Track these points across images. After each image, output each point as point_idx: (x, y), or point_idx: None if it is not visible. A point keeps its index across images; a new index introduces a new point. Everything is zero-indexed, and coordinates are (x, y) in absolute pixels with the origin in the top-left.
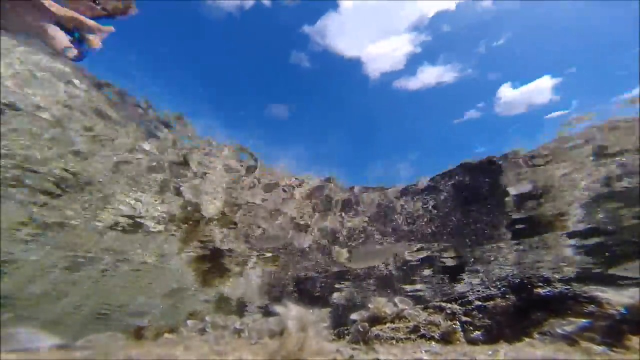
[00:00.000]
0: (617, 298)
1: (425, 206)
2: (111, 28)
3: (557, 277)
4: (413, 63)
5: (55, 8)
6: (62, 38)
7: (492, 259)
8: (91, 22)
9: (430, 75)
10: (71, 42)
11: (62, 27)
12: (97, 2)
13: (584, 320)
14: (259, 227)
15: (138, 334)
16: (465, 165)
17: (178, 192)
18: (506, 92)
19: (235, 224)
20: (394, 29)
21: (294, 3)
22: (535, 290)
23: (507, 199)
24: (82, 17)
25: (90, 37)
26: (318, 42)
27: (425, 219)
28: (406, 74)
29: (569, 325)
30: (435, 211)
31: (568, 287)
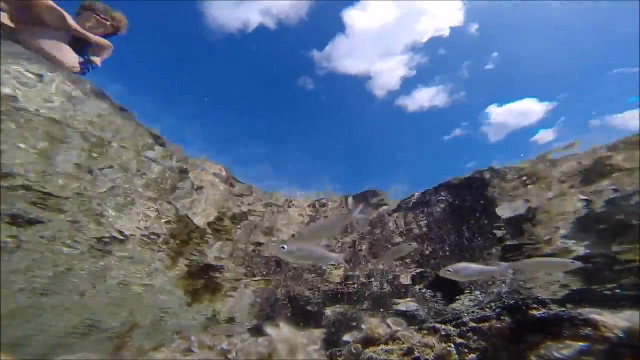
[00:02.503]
0: (613, 321)
1: (418, 222)
2: (111, 45)
3: (550, 298)
4: (410, 83)
5: (76, 26)
6: (73, 57)
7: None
8: (102, 40)
9: (426, 94)
10: (81, 62)
11: (75, 44)
12: (104, 17)
13: (581, 343)
14: (253, 243)
15: (116, 354)
16: (453, 182)
17: (169, 207)
18: (497, 112)
19: (229, 240)
20: (398, 49)
21: (300, 26)
22: (529, 311)
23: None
24: (99, 38)
25: (95, 58)
26: (325, 66)
27: (418, 235)
28: (404, 93)
29: (567, 348)
30: (427, 227)
31: (563, 309)
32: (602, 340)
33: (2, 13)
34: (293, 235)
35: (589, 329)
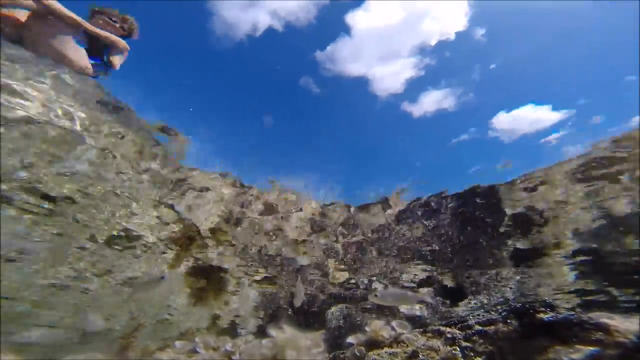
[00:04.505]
0: (625, 325)
1: (425, 227)
2: (127, 46)
3: (558, 302)
4: (416, 86)
5: (89, 26)
6: (84, 57)
7: (493, 282)
8: (118, 40)
9: (433, 98)
10: (99, 64)
11: (92, 46)
12: (114, 20)
13: (592, 348)
14: (257, 245)
15: (122, 354)
16: (467, 191)
17: (173, 208)
18: (505, 117)
19: (232, 241)
20: (401, 52)
21: (306, 27)
22: (537, 315)
23: (505, 221)
24: (113, 36)
25: (113, 58)
26: (328, 67)
27: (425, 240)
28: (410, 97)
29: (576, 353)
30: (435, 232)
31: (573, 312)
32: (615, 345)
33: (20, 10)
34: None
35: (600, 333)
